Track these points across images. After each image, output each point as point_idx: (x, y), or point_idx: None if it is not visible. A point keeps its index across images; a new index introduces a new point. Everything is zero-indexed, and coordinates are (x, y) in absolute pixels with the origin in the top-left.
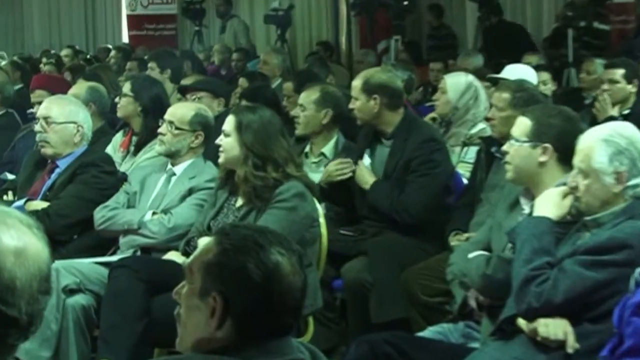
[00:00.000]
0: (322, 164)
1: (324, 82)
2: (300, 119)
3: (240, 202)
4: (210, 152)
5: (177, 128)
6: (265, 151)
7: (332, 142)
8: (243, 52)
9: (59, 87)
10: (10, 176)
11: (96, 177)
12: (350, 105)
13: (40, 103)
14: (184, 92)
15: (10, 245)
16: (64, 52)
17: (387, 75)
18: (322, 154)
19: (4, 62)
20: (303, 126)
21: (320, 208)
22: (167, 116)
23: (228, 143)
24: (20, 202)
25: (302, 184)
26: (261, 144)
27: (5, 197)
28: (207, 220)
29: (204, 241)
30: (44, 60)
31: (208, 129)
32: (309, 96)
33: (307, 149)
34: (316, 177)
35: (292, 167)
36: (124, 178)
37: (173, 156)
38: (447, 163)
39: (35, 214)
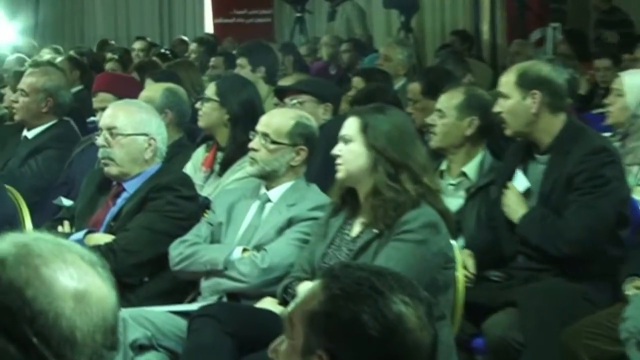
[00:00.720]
0: (462, 187)
1: (465, 83)
2: (436, 128)
3: (357, 229)
4: (315, 172)
5: (273, 142)
6: (399, 156)
7: (476, 160)
8: (357, 45)
9: (127, 89)
10: (66, 202)
11: (172, 203)
12: (496, 109)
13: (103, 109)
14: (282, 95)
15: (70, 287)
16: (135, 45)
17: (548, 68)
18: (463, 173)
19: (59, 58)
20: (440, 137)
21: (456, 244)
22: (260, 127)
23: (350, 151)
24: (79, 235)
25: (435, 211)
26: (395, 146)
27: (60, 229)
28: (313, 258)
29: (307, 285)
30: (109, 55)
31: (312, 142)
32: (449, 100)
33: (444, 166)
34: (454, 202)
35: (429, 179)
36: (206, 205)
37: (268, 177)
38: (622, 182)
39: (97, 249)
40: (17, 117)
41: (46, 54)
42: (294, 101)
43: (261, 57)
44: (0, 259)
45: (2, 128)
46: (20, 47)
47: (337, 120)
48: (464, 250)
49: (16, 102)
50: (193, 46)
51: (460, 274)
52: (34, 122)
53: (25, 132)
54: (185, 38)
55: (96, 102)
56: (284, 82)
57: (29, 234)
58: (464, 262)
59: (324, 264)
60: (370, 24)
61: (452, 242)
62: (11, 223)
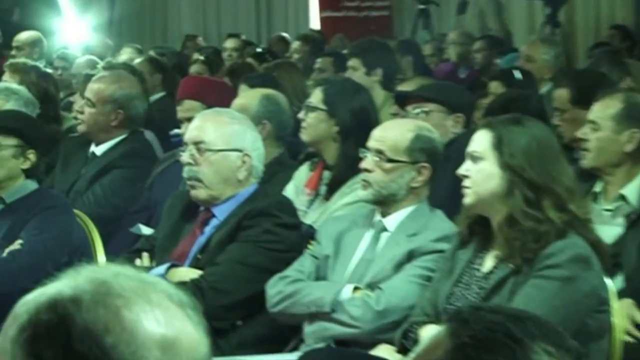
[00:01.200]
0: (621, 213)
1: (624, 89)
2: (589, 143)
3: (489, 264)
4: (440, 195)
5: (389, 160)
6: (540, 177)
7: (637, 181)
8: (493, 42)
9: (218, 96)
10: (146, 230)
11: (270, 232)
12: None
13: (189, 120)
14: (403, 103)
15: (156, 333)
16: (226, 44)
17: None
18: (622, 197)
19: (137, 60)
20: (594, 154)
21: (611, 283)
22: (373, 143)
23: (480, 171)
24: (161, 269)
25: (585, 242)
26: (535, 166)
27: (138, 262)
28: (437, 298)
29: (430, 331)
30: (195, 56)
31: (435, 159)
32: (605, 109)
33: (598, 188)
34: (610, 232)
35: (577, 205)
36: (310, 234)
37: (384, 202)
38: None
39: (183, 287)
40: (80, 129)
41: (123, 55)
42: (418, 110)
43: (377, 58)
44: (74, 298)
45: (69, 141)
46: (92, 47)
47: (470, 134)
48: (626, 301)
49: (81, 112)
50: (295, 45)
51: (617, 320)
52: (102, 137)
53: (93, 148)
54: (287, 35)
55: (181, 112)
56: (406, 87)
57: (107, 269)
58: (628, 314)
59: (451, 305)
60: (509, 17)
61: (607, 280)
62: (82, 254)
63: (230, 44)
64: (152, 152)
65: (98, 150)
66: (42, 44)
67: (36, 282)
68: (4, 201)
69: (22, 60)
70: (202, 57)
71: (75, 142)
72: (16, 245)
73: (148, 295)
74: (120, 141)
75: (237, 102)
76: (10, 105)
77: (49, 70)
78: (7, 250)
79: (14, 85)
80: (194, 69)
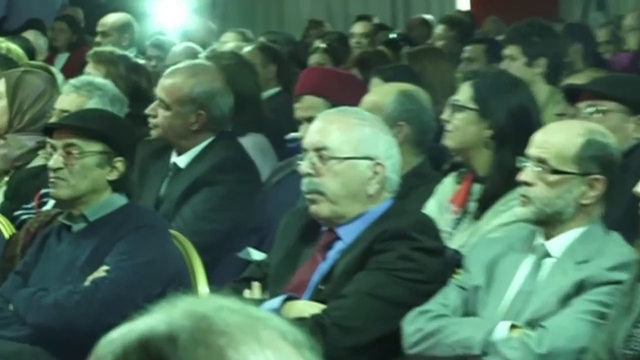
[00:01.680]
0: None
1: None
2: None
3: None
4: (616, 214)
5: (554, 171)
6: None
7: None
8: None
9: (345, 91)
10: (257, 255)
11: (407, 258)
12: None
13: (310, 120)
14: (573, 99)
15: None
16: (355, 29)
17: None
18: None
19: (247, 48)
20: None
21: None
22: (533, 150)
23: None
24: (275, 302)
25: None
26: None
27: (247, 293)
28: (613, 341)
29: None
30: (316, 43)
31: (611, 170)
32: None
33: None
34: None
35: None
36: (456, 261)
37: (548, 223)
38: None
39: (300, 324)
40: (155, 134)
41: (228, 42)
42: (592, 109)
43: (541, 45)
44: (169, 336)
45: (144, 146)
46: (192, 32)
47: None
48: None
49: (154, 115)
50: (439, 29)
51: None
52: (183, 144)
53: (174, 157)
54: (429, 17)
55: (300, 110)
56: (575, 80)
57: (208, 301)
58: None
59: (631, 350)
60: None
61: None
62: (179, 283)
63: (359, 28)
64: (249, 159)
65: (181, 161)
66: (133, 29)
67: (123, 316)
68: (87, 219)
69: (108, 48)
70: (324, 45)
71: (151, 148)
72: (101, 272)
73: (257, 333)
74: (206, 148)
75: (368, 99)
76: (93, 103)
77: (141, 61)
78: (90, 278)
79: (98, 79)
80: (314, 59)
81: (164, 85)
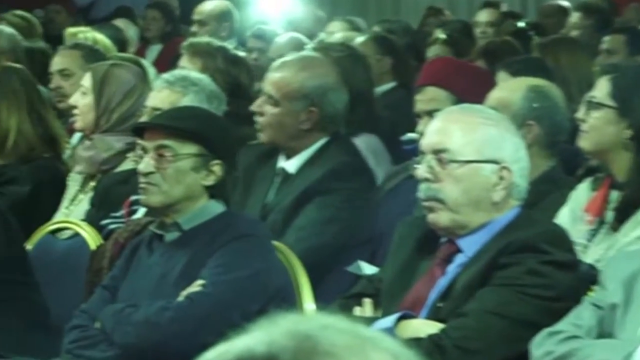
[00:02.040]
0: None
1: None
2: None
3: None
4: None
5: None
6: None
7: None
8: None
9: (472, 85)
10: (368, 269)
11: (536, 273)
12: None
13: (431, 114)
14: None
15: None
16: (479, 17)
17: None
18: None
19: (359, 39)
20: None
21: None
22: None
23: None
24: (389, 321)
25: None
26: None
27: (358, 310)
28: None
29: None
30: (437, 33)
31: None
32: None
33: None
34: None
35: None
36: (591, 277)
37: None
38: None
39: (417, 345)
40: (262, 136)
41: (336, 32)
42: None
43: None
44: (270, 357)
45: (248, 150)
46: (298, 21)
47: None
48: None
49: (260, 113)
50: (574, 17)
51: None
52: (293, 145)
53: (282, 162)
54: (566, 4)
55: (421, 102)
56: None
57: (313, 320)
58: None
59: None
60: None
61: None
62: (283, 299)
63: (484, 16)
64: (366, 165)
65: (290, 165)
66: (233, 18)
67: (220, 335)
68: (181, 228)
69: (205, 39)
70: (443, 36)
71: (255, 152)
72: (196, 286)
73: (366, 354)
74: (318, 151)
75: (494, 95)
76: (188, 100)
77: (241, 53)
78: (183, 293)
79: (194, 74)
80: (432, 51)
81: (273, 79)
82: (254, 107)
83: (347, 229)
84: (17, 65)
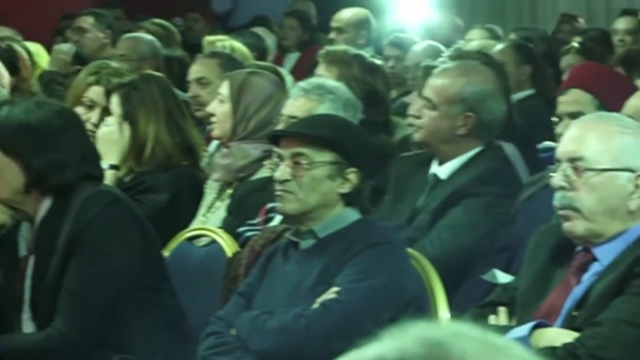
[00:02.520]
0: None
1: None
2: None
3: None
4: None
5: None
6: None
7: None
8: None
9: (615, 91)
10: (503, 277)
11: None
12: None
13: (574, 116)
14: None
15: None
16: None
17: None
18: None
19: (498, 46)
20: None
21: None
22: None
23: None
24: (524, 330)
25: None
26: None
27: (492, 319)
28: None
29: None
30: (574, 41)
31: None
32: None
33: None
34: None
35: None
36: None
37: None
38: None
39: (551, 354)
40: (416, 137)
41: (474, 40)
42: None
43: None
44: None
45: (402, 161)
46: (436, 29)
47: None
48: None
49: (418, 116)
50: None
51: None
52: (446, 150)
53: (434, 168)
54: None
55: (564, 104)
56: None
57: (444, 328)
58: None
59: None
60: None
61: None
62: (418, 308)
63: (622, 24)
64: (516, 174)
65: (442, 171)
66: (371, 26)
67: (352, 342)
68: (316, 235)
69: (341, 47)
70: (576, 45)
71: (410, 162)
72: (330, 293)
73: None
74: (471, 159)
75: (632, 103)
76: (324, 108)
77: (377, 61)
78: (318, 300)
79: (330, 82)
80: (565, 60)
81: (433, 84)
82: (412, 111)
83: (488, 235)
84: (157, 74)
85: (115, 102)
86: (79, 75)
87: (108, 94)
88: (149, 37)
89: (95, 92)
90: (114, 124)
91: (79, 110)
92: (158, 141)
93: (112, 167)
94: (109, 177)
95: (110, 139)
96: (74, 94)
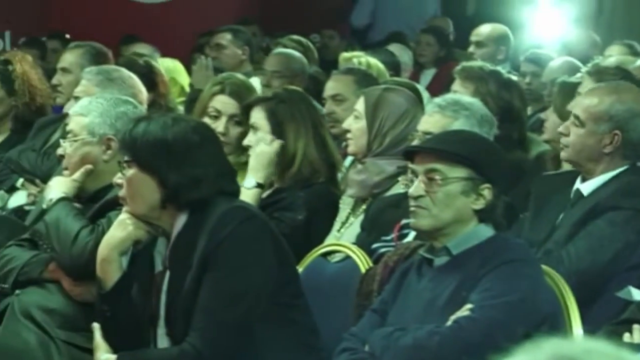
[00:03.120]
0: None
1: None
2: None
3: None
4: None
5: None
6: None
7: None
8: None
9: None
10: (638, 294)
11: None
12: None
13: None
14: None
15: None
16: None
17: None
18: None
19: (638, 62)
20: None
21: None
22: None
23: None
24: None
25: None
26: None
27: (626, 336)
28: None
29: None
30: None
31: None
32: None
33: None
34: None
35: None
36: None
37: None
38: None
39: None
40: (563, 156)
41: (612, 55)
42: None
43: None
44: None
45: (542, 181)
46: (573, 45)
47: None
48: None
49: (566, 134)
50: None
51: None
52: (591, 168)
53: (578, 184)
54: None
55: None
56: None
57: (576, 344)
58: None
59: None
60: None
61: None
62: (552, 325)
63: None
64: None
65: (586, 187)
66: (510, 42)
67: (485, 359)
68: (450, 252)
69: (477, 63)
70: None
71: (552, 181)
72: (464, 311)
73: None
74: (615, 176)
75: None
76: (459, 124)
77: (514, 78)
78: (452, 318)
79: (466, 98)
80: None
81: (582, 102)
82: (561, 129)
83: (625, 250)
84: (298, 89)
85: (259, 117)
86: (205, 88)
87: (247, 108)
88: (297, 53)
89: (220, 102)
90: (267, 140)
91: (205, 120)
92: (306, 156)
93: (258, 185)
94: (253, 195)
95: (265, 158)
96: (200, 105)
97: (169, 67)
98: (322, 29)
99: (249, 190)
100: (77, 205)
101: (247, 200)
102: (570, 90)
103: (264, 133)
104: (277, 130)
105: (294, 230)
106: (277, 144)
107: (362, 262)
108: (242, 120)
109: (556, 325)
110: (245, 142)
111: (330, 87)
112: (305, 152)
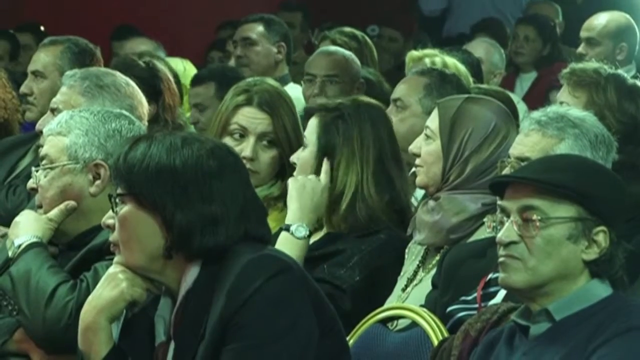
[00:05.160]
0: None
1: None
2: None
3: None
4: None
5: None
6: None
7: None
8: None
9: None
10: None
11: None
12: None
13: None
14: None
15: None
16: None
17: None
18: None
19: None
20: None
21: None
22: None
23: None
24: None
25: None
26: None
27: None
28: None
29: None
30: None
31: None
32: None
33: None
34: None
35: None
36: None
37: None
38: None
39: None
40: None
41: None
42: None
43: None
44: None
45: None
46: None
47: None
48: None
49: None
50: None
51: None
52: None
53: None
54: None
55: None
56: None
57: None
58: None
59: None
60: None
61: None
62: None
63: None
64: None
65: None
66: (634, 37)
67: None
68: (552, 317)
69: (592, 65)
70: None
71: None
72: None
73: None
74: None
75: None
76: (565, 146)
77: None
78: None
79: (575, 111)
80: None
81: None
82: None
83: None
84: (374, 102)
85: (311, 131)
86: (225, 96)
87: (308, 115)
88: (347, 52)
89: (245, 116)
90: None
91: (227, 141)
92: (360, 194)
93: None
94: (300, 247)
95: (316, 195)
96: (219, 121)
97: (178, 69)
98: (382, 25)
99: (296, 240)
100: (53, 252)
101: (289, 253)
102: None
103: (309, 151)
104: (323, 154)
105: (347, 294)
106: (325, 177)
107: (434, 330)
108: (275, 139)
109: None
110: (293, 158)
111: (398, 91)
112: (358, 188)
